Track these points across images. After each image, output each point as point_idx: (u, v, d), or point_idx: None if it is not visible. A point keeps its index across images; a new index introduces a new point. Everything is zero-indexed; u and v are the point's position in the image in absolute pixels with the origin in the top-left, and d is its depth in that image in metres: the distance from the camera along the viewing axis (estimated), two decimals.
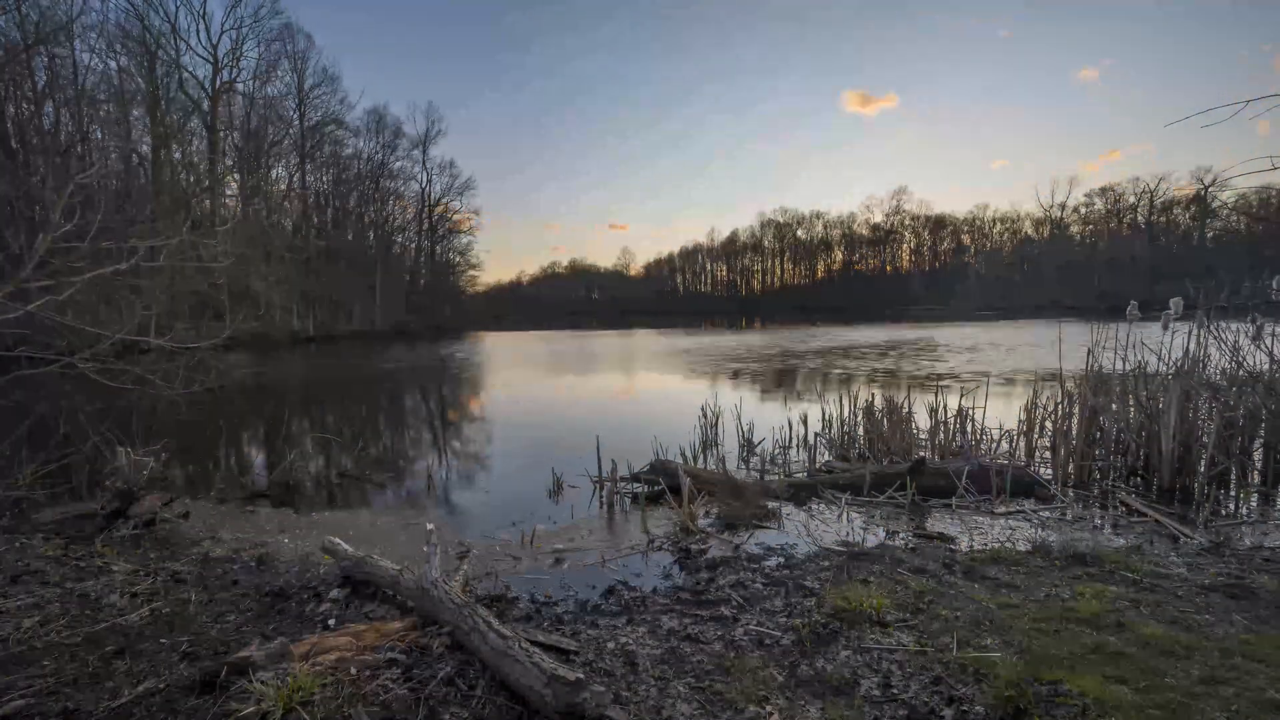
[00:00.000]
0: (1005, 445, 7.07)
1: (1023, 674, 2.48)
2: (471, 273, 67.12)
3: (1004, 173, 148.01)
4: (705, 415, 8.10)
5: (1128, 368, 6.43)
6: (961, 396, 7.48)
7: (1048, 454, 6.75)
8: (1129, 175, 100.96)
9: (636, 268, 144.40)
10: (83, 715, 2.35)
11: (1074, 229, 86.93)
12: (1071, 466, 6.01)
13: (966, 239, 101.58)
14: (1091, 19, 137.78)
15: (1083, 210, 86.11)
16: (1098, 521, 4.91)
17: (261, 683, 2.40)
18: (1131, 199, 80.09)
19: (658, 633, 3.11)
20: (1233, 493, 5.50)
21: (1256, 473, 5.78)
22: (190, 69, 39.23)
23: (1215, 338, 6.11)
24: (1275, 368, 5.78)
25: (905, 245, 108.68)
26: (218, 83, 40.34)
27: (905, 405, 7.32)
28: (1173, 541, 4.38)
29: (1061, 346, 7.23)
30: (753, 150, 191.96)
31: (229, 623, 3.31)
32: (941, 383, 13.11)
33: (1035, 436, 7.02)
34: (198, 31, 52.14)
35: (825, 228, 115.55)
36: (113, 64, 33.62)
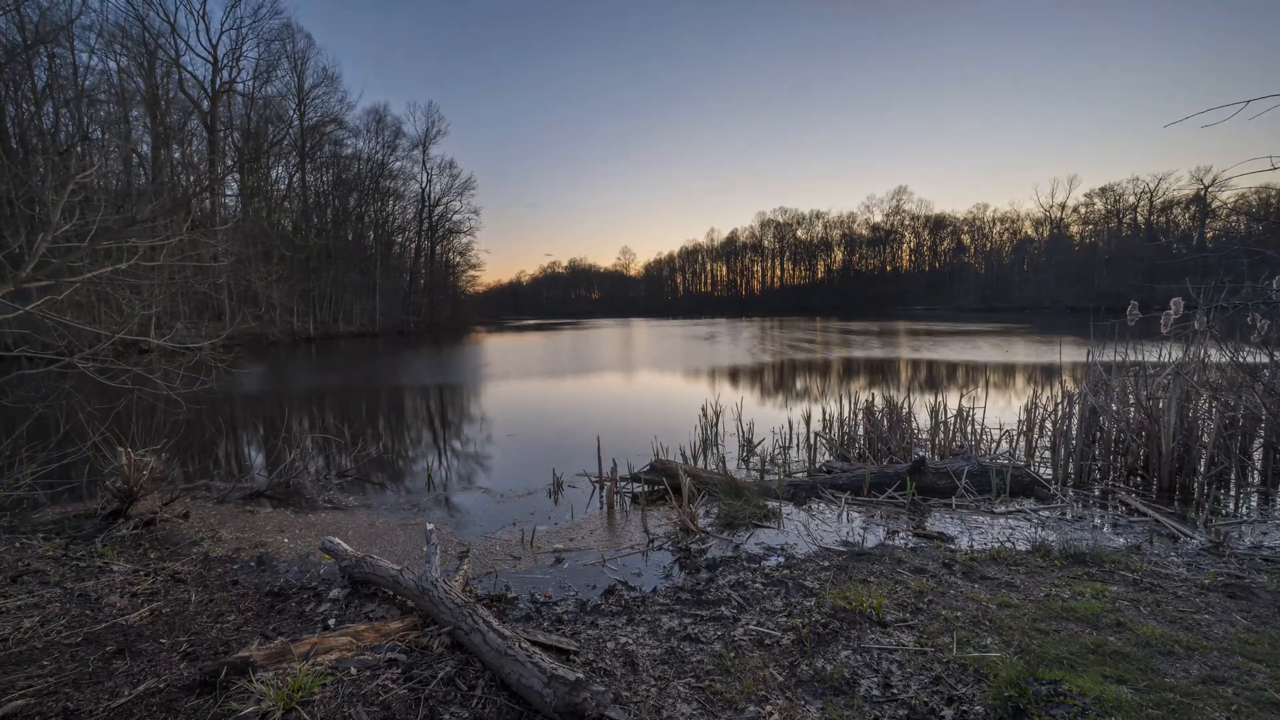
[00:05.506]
0: (1005, 445, 7.08)
1: (1022, 674, 2.48)
2: (471, 273, 66.92)
3: (1004, 173, 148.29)
4: (705, 415, 8.10)
5: (1128, 368, 6.43)
6: (961, 396, 7.48)
7: (1048, 454, 6.76)
8: (1129, 175, 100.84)
9: (636, 267, 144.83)
10: (83, 715, 2.35)
11: (1074, 229, 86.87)
12: (1071, 466, 6.02)
13: (966, 239, 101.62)
14: (1093, 18, 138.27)
15: (1083, 210, 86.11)
16: (1098, 521, 4.91)
17: (261, 683, 2.41)
18: (1131, 199, 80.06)
19: (658, 633, 3.11)
20: (1232, 493, 5.50)
21: (1256, 473, 5.78)
22: (190, 69, 39.28)
23: (1215, 338, 6.11)
24: (1275, 368, 5.78)
25: (905, 245, 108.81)
26: (217, 83, 40.31)
27: (905, 405, 7.33)
28: (1172, 541, 4.38)
29: (1061, 347, 7.23)
30: (754, 149, 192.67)
31: (229, 623, 3.31)
32: (941, 382, 13.09)
33: (1035, 436, 7.03)
34: (197, 31, 52.70)
35: (825, 228, 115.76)
36: (112, 64, 33.69)
